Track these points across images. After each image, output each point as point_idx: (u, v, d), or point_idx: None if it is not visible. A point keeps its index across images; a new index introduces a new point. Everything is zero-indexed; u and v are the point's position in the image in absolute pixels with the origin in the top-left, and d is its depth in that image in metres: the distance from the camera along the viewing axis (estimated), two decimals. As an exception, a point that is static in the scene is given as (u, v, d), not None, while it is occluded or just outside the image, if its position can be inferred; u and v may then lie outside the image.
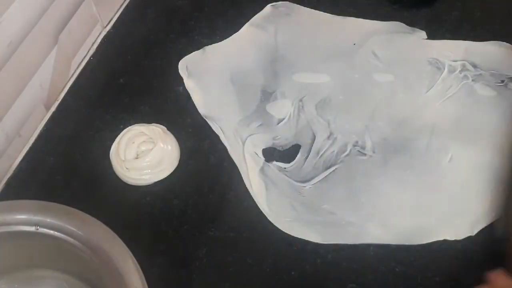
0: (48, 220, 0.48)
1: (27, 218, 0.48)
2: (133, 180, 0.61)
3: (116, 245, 0.46)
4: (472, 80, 0.67)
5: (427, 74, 0.68)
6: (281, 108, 0.67)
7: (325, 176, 0.61)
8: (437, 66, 0.69)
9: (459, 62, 0.69)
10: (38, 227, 0.47)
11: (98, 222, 0.48)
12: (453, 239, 0.56)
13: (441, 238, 0.56)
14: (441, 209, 0.58)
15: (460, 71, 0.68)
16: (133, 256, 0.46)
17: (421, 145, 0.63)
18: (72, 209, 0.49)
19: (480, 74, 0.68)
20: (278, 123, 0.65)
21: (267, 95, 0.68)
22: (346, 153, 0.63)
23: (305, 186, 0.61)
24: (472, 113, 0.65)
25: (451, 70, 0.68)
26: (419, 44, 0.72)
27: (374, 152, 0.63)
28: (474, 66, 0.69)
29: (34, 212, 0.48)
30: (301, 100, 0.67)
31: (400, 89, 0.68)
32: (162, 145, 0.62)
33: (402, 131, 0.64)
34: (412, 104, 0.66)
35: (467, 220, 0.57)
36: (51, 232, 0.47)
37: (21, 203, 0.50)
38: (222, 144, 0.64)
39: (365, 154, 0.62)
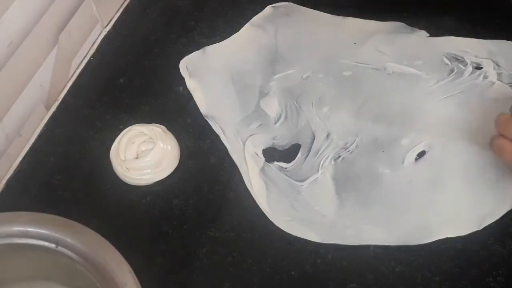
0: (45, 232, 0.47)
1: (22, 230, 0.47)
2: (133, 180, 0.61)
3: (115, 259, 0.45)
4: (492, 79, 0.66)
5: (443, 69, 0.68)
6: (273, 106, 0.67)
7: (316, 178, 0.61)
8: (456, 61, 0.68)
9: (481, 59, 0.68)
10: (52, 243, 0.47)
11: (95, 234, 0.47)
12: (456, 235, 0.56)
13: (444, 236, 0.56)
14: (443, 206, 0.58)
15: (479, 68, 0.67)
16: (130, 268, 0.45)
17: (416, 144, 0.62)
18: (69, 221, 0.48)
19: (501, 73, 0.67)
20: (275, 123, 0.66)
21: (264, 96, 0.68)
22: (339, 154, 0.63)
23: (302, 185, 0.61)
24: (483, 111, 0.64)
25: (472, 67, 0.68)
26: (425, 41, 0.71)
27: (365, 152, 0.62)
28: (497, 64, 0.68)
29: (26, 224, 0.47)
30: (296, 100, 0.67)
31: (407, 83, 0.67)
32: (162, 145, 0.62)
33: (396, 130, 0.64)
34: (412, 101, 0.66)
35: (473, 215, 0.57)
36: (46, 243, 0.47)
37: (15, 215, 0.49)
38: (222, 144, 0.64)
39: (357, 155, 0.62)
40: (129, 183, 0.62)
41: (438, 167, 0.61)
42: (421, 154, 0.62)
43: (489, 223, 0.56)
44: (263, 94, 0.68)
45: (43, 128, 0.68)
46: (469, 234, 0.56)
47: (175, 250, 0.57)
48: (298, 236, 0.57)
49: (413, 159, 0.61)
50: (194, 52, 0.73)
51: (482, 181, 0.59)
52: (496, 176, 0.59)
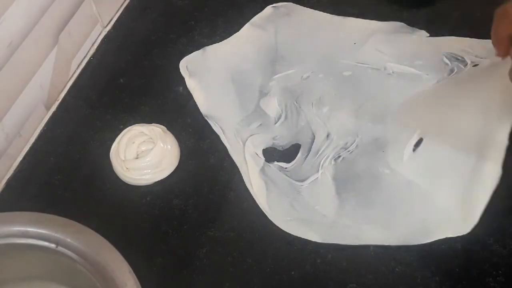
0: (45, 232, 0.47)
1: (23, 230, 0.47)
2: (133, 180, 0.61)
3: (115, 259, 0.45)
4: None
5: (443, 68, 0.68)
6: (273, 106, 0.67)
7: (316, 178, 0.61)
8: (456, 61, 0.68)
9: (481, 59, 0.68)
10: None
11: (95, 234, 0.47)
12: (456, 235, 0.56)
13: (443, 236, 0.56)
14: (442, 206, 0.58)
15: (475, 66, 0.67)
16: (130, 268, 0.45)
17: (415, 141, 0.62)
18: (69, 221, 0.48)
19: None
20: (275, 123, 0.66)
21: (264, 95, 0.68)
22: (339, 154, 0.63)
23: (302, 185, 0.61)
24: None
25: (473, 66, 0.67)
26: (425, 41, 0.71)
27: (364, 152, 0.62)
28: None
29: (26, 224, 0.47)
30: (296, 100, 0.67)
31: (406, 84, 0.67)
32: (162, 145, 0.62)
33: (395, 131, 0.64)
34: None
35: (469, 211, 0.57)
36: (46, 243, 0.47)
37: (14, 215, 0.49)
38: (222, 144, 0.64)
39: (357, 155, 0.62)
40: (129, 183, 0.62)
41: (436, 161, 0.61)
42: (418, 144, 0.61)
43: (482, 210, 0.56)
44: (263, 94, 0.68)
45: (43, 128, 0.68)
46: (469, 234, 0.56)
47: (175, 250, 0.57)
48: (298, 236, 0.57)
49: (411, 150, 0.61)
50: (194, 52, 0.73)
51: (471, 174, 0.59)
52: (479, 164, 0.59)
